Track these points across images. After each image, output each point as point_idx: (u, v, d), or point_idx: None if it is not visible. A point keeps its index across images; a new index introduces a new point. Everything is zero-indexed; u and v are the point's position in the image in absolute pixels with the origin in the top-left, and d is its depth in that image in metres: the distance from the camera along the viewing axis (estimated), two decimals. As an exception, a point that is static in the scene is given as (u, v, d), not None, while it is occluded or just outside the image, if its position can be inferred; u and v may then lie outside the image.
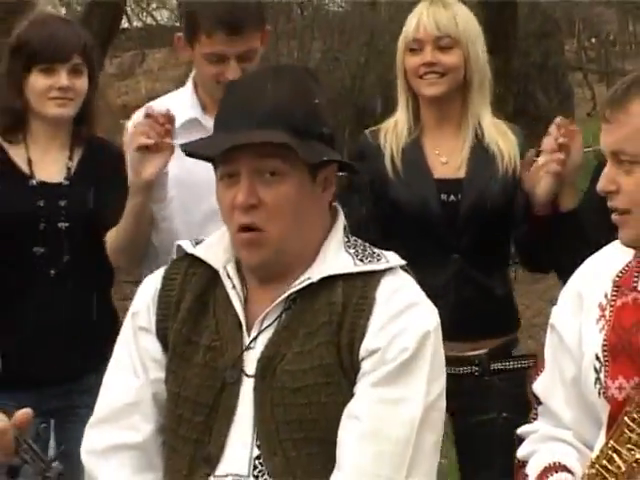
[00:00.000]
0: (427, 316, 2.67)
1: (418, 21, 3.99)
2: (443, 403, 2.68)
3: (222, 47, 3.76)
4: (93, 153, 4.06)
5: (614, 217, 2.68)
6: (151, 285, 2.81)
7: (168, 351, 2.74)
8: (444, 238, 3.95)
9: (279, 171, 2.61)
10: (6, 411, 2.58)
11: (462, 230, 3.95)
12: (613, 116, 2.66)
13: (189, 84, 4.01)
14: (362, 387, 2.61)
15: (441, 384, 2.67)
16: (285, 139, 2.58)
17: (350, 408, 2.60)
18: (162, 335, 2.75)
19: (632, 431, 2.55)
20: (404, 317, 2.63)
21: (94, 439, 2.80)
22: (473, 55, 3.99)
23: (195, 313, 2.72)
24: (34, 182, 3.99)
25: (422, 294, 2.71)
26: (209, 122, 3.69)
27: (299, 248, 2.68)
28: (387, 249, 2.78)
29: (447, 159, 4.02)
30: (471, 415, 3.97)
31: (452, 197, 3.97)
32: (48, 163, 4.03)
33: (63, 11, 14.99)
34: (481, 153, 3.97)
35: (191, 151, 2.75)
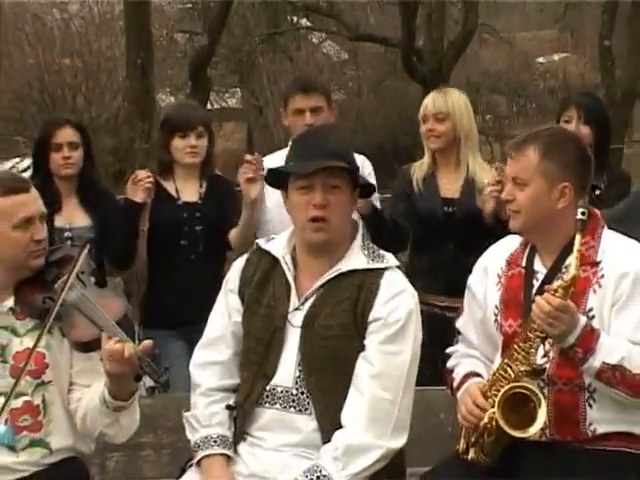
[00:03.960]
0: (411, 299, 2.61)
1: (426, 102, 4.02)
2: (419, 353, 2.62)
3: (300, 103, 3.78)
4: (213, 183, 4.03)
5: (509, 212, 2.68)
6: (238, 265, 2.75)
7: (244, 305, 2.69)
8: (445, 233, 3.95)
9: (338, 186, 2.57)
10: (133, 341, 2.55)
11: (456, 229, 3.93)
12: (515, 155, 2.64)
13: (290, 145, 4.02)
14: (371, 344, 2.55)
15: (420, 341, 2.61)
16: (349, 166, 2.59)
17: (364, 355, 2.55)
18: (242, 295, 2.69)
19: (519, 353, 2.54)
20: (397, 298, 2.57)
21: (197, 358, 2.75)
22: (459, 123, 3.96)
23: (262, 283, 2.67)
24: (180, 202, 3.98)
25: (409, 284, 2.64)
26: None
27: (341, 234, 2.63)
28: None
29: (450, 185, 4.00)
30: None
31: (450, 209, 3.96)
32: (188, 190, 4.00)
33: (172, 99, 14.90)
34: (469, 182, 3.96)
35: (286, 171, 2.66)
